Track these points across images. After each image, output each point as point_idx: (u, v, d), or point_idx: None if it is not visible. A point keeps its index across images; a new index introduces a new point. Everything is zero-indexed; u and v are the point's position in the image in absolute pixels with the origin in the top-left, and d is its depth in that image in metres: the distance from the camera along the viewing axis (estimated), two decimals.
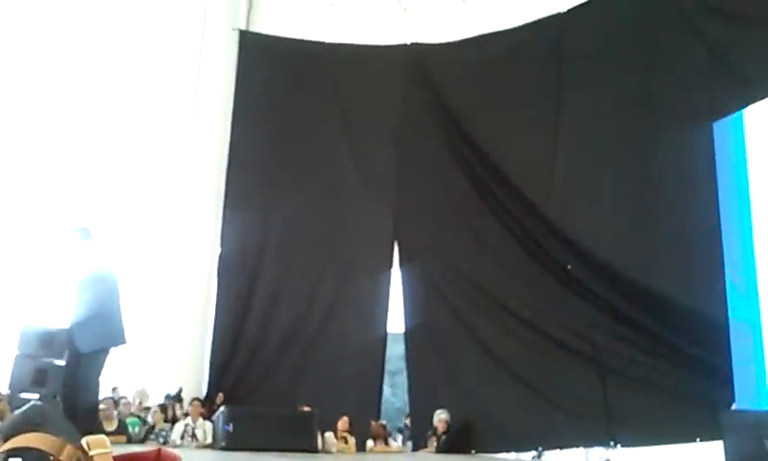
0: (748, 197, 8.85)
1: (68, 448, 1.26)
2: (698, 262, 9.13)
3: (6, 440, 1.32)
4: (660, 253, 9.41)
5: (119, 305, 6.17)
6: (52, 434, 1.31)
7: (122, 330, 6.12)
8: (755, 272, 8.64)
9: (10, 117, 10.91)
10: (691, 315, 8.94)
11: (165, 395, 10.38)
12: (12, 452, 1.30)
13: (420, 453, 9.71)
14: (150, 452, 1.42)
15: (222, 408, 8.94)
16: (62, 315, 6.09)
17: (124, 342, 6.14)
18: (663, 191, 9.57)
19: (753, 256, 8.71)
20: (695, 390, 8.77)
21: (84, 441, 1.26)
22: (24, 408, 1.68)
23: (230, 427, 8.22)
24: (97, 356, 5.92)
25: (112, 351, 6.11)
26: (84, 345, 5.85)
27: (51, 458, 1.26)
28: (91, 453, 1.24)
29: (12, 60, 11.00)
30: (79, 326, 5.86)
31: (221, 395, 10.29)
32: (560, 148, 10.24)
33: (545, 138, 10.35)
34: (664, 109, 9.70)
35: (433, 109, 11.30)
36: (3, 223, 10.58)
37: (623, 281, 9.49)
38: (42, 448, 1.26)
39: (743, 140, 9.01)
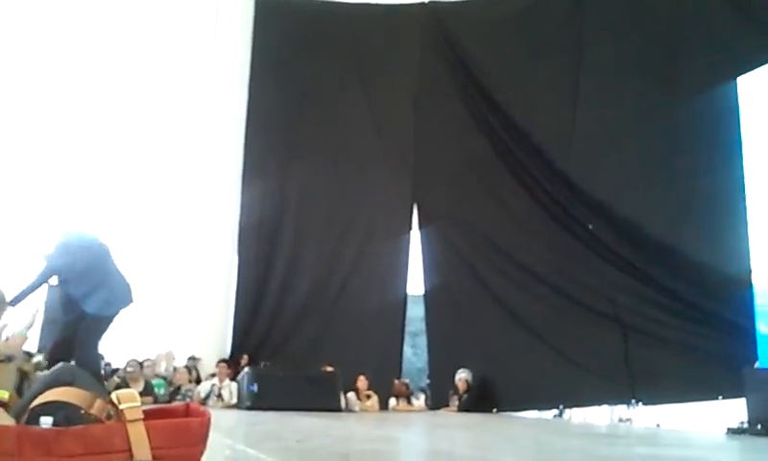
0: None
1: (99, 402, 1.29)
2: (721, 220, 9.03)
3: (36, 397, 1.35)
4: (682, 211, 9.32)
5: (117, 269, 6.04)
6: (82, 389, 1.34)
7: (127, 292, 6.02)
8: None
9: (25, 99, 10.94)
10: (714, 273, 8.88)
11: (189, 357, 10.55)
12: (44, 409, 1.33)
13: (442, 412, 9.81)
14: (179, 406, 1.45)
15: (246, 369, 9.08)
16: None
17: (131, 301, 6.05)
18: (686, 149, 9.43)
19: None
20: (717, 348, 8.73)
21: (114, 395, 1.29)
22: (54, 368, 1.72)
23: (255, 388, 8.35)
24: (99, 323, 5.85)
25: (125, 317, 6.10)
26: (91, 306, 5.75)
27: (82, 412, 1.29)
28: (121, 407, 1.27)
29: (28, 39, 11.00)
30: (82, 289, 5.73)
31: (245, 356, 10.43)
32: (580, 106, 10.11)
33: (566, 96, 10.22)
34: (688, 64, 9.52)
35: (451, 67, 11.17)
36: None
37: (645, 240, 9.43)
38: (74, 401, 1.29)
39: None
